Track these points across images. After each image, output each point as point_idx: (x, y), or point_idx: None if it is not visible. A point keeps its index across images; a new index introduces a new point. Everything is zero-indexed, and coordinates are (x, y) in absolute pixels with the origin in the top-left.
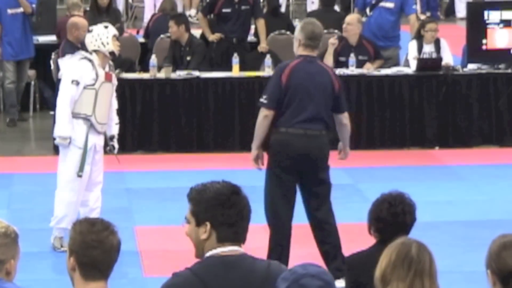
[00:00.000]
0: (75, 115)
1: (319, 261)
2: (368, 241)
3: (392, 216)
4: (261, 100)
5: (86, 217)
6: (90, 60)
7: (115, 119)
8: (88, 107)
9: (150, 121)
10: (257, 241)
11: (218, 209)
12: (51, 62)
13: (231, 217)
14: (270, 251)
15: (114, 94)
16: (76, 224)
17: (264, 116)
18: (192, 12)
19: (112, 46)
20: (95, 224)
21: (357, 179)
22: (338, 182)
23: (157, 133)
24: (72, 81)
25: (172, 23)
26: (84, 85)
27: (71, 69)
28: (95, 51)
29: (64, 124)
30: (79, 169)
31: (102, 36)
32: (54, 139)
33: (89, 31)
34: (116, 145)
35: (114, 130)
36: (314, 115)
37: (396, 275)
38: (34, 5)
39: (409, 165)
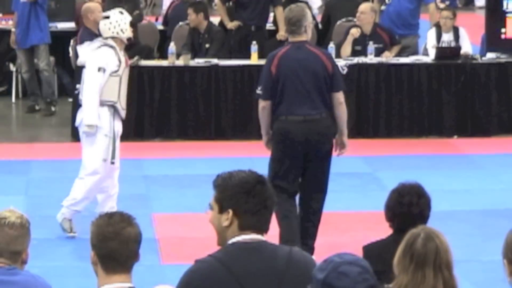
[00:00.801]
0: (101, 103)
1: (337, 249)
2: (386, 230)
3: (399, 206)
4: (257, 91)
5: (107, 212)
6: (111, 47)
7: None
8: (114, 93)
9: (169, 108)
10: (273, 229)
11: (242, 197)
12: (70, 49)
13: (255, 206)
14: (282, 241)
15: None
16: (96, 218)
17: (262, 107)
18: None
19: (129, 32)
20: (112, 216)
21: (376, 168)
22: (356, 170)
23: (175, 121)
24: (99, 69)
25: (191, 10)
26: (110, 72)
27: (96, 56)
28: (113, 37)
29: (93, 113)
30: (112, 156)
31: (120, 23)
32: (74, 125)
33: (105, 17)
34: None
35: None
36: (310, 99)
37: (400, 266)
38: None
39: (427, 154)
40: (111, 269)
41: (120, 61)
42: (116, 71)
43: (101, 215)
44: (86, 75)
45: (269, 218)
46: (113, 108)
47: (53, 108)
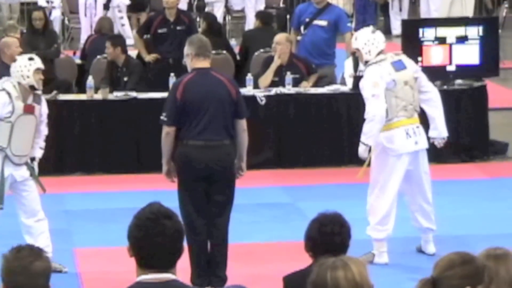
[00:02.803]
0: None
1: (258, 280)
2: (307, 259)
3: (321, 235)
4: (161, 117)
5: (17, 245)
6: (8, 93)
7: (41, 143)
8: (3, 139)
9: (89, 142)
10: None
11: (134, 233)
12: None
13: (146, 243)
14: (195, 274)
15: (45, 121)
16: (6, 252)
17: (166, 133)
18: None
19: (33, 79)
20: (21, 250)
21: (296, 198)
22: (277, 200)
23: (96, 154)
24: None
25: (109, 44)
26: (0, 117)
27: None
28: (18, 82)
29: None
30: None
31: (23, 69)
32: None
33: (14, 60)
34: (36, 168)
35: (37, 153)
36: (213, 126)
37: None
38: None
39: (347, 183)
40: None
41: (13, 108)
42: (8, 117)
43: (11, 249)
44: None
45: (165, 255)
46: (4, 152)
47: None
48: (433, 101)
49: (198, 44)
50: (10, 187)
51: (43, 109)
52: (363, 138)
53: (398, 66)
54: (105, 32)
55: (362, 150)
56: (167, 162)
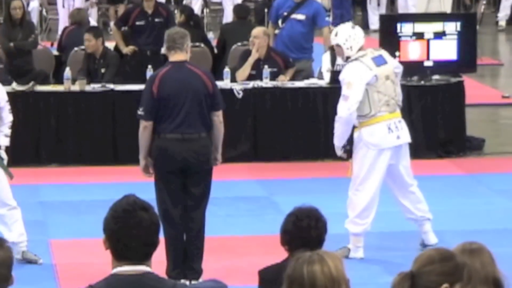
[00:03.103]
0: None
1: (233, 274)
2: (282, 253)
3: (298, 229)
4: (139, 112)
5: None
6: None
7: (6, 131)
8: None
9: (65, 133)
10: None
11: (109, 224)
12: None
13: (120, 234)
14: (170, 267)
15: (6, 108)
16: None
17: (143, 128)
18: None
19: None
20: None
21: (272, 191)
22: (252, 194)
23: (71, 146)
24: None
25: (91, 36)
26: None
27: None
28: None
29: None
30: None
31: None
32: None
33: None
34: (4, 155)
35: (2, 141)
36: (190, 119)
37: None
38: None
39: (323, 177)
40: None
41: None
42: None
43: None
44: None
45: (141, 247)
46: None
47: None
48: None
49: (167, 38)
50: None
51: (1, 95)
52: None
53: (379, 61)
54: (81, 24)
55: (336, 149)
56: (144, 157)
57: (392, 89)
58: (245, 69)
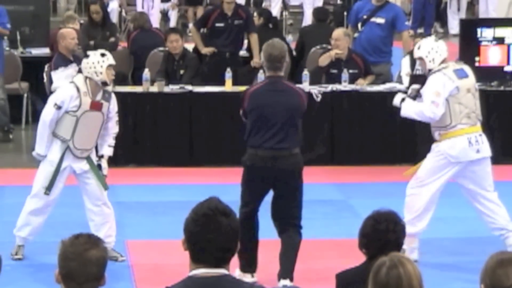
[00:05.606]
0: (55, 135)
1: (310, 277)
2: (359, 257)
3: (376, 233)
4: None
5: (79, 233)
6: (77, 87)
7: (110, 141)
8: (67, 131)
9: (142, 134)
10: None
11: (190, 228)
12: (44, 74)
13: (200, 238)
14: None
15: (114, 119)
16: (65, 238)
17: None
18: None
19: (105, 76)
20: (79, 237)
21: (349, 195)
22: (329, 197)
23: (149, 147)
24: (55, 105)
25: (177, 36)
26: (66, 109)
27: (58, 92)
28: (89, 77)
29: (41, 144)
30: (47, 187)
31: (96, 65)
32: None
33: (86, 56)
34: (104, 165)
35: (105, 151)
36: (281, 135)
37: None
38: (8, 25)
39: (400, 181)
40: None
41: (80, 103)
42: (73, 111)
43: (71, 236)
44: (46, 104)
45: (219, 252)
46: (66, 144)
47: (10, 136)
48: None
49: (269, 57)
50: (75, 178)
51: (111, 106)
52: (404, 104)
53: (461, 74)
54: (144, 27)
55: (396, 99)
56: None
57: (473, 103)
58: (326, 58)
